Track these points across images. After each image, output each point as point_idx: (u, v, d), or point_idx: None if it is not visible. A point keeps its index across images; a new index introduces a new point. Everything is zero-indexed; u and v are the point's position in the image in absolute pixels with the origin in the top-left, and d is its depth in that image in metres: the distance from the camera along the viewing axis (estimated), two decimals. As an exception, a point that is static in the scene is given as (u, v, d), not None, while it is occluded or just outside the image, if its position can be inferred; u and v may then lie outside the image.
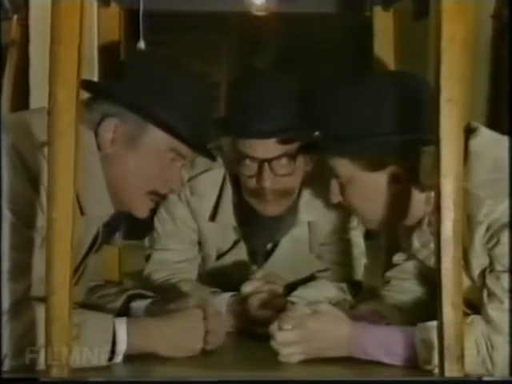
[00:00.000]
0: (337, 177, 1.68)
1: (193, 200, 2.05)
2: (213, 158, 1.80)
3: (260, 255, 2.08)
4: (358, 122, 1.62)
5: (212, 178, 2.05)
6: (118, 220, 1.73)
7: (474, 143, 1.58)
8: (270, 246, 2.09)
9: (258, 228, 2.04)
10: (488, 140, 1.61)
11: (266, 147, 1.87)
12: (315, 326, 1.57)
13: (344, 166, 1.65)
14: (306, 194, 2.03)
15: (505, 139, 1.65)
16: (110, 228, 1.70)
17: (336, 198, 1.71)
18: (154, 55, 1.73)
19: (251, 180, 1.92)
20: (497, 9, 2.86)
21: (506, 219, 1.50)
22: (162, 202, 2.02)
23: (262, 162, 1.89)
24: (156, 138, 1.60)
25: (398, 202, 1.64)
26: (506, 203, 1.50)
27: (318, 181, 1.97)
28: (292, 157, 1.89)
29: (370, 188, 1.64)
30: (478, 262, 1.56)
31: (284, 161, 1.89)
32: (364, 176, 1.63)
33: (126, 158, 1.60)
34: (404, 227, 1.73)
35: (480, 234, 1.53)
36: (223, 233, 2.08)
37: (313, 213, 2.05)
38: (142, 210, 1.67)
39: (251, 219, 2.01)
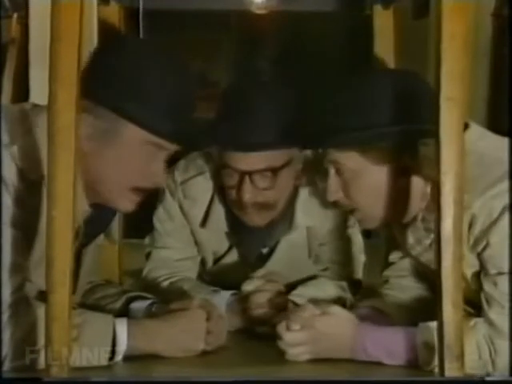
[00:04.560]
0: (339, 172, 1.67)
1: (185, 203, 2.04)
2: (199, 149, 1.76)
3: (252, 261, 2.07)
4: (359, 114, 1.61)
5: (204, 182, 2.04)
6: (104, 216, 1.70)
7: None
8: (266, 250, 2.08)
9: (248, 235, 2.03)
10: (477, 137, 1.60)
11: (248, 160, 1.86)
12: (324, 327, 1.57)
13: (350, 160, 1.63)
14: (303, 199, 2.02)
15: (492, 135, 1.65)
16: (94, 224, 1.66)
17: (334, 195, 1.69)
18: (128, 43, 1.64)
19: (232, 191, 1.92)
20: (497, 7, 2.86)
21: (488, 218, 1.50)
22: (159, 201, 2.03)
23: (242, 174, 1.88)
24: (131, 132, 1.53)
25: (398, 198, 1.64)
26: (484, 198, 1.49)
27: (314, 185, 1.96)
28: (275, 171, 1.88)
29: (374, 182, 1.63)
30: (465, 261, 1.55)
31: (266, 174, 1.87)
32: (369, 170, 1.62)
33: (104, 155, 1.54)
34: (399, 224, 1.73)
35: None
36: (217, 237, 2.07)
37: (310, 217, 2.04)
38: (126, 205, 1.61)
39: (241, 226, 2.00)
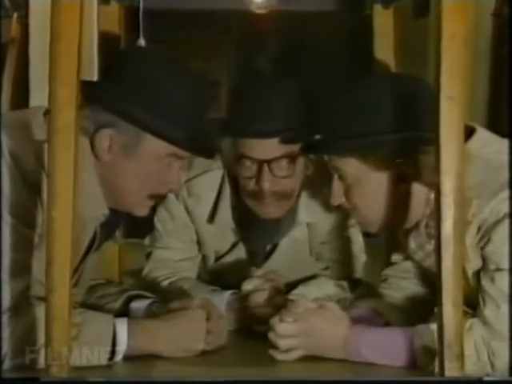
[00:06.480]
0: (342, 178, 1.67)
1: (190, 202, 2.05)
2: (210, 156, 1.80)
3: (260, 257, 2.08)
4: (360, 120, 1.61)
5: (210, 179, 2.05)
6: (117, 219, 1.72)
7: (469, 145, 1.57)
8: (269, 247, 2.09)
9: (257, 230, 2.04)
10: (482, 143, 1.60)
11: (266, 148, 1.87)
12: (316, 321, 1.57)
13: (351, 166, 1.64)
14: (305, 195, 2.03)
15: (498, 140, 1.65)
16: (108, 227, 1.70)
17: (338, 199, 1.70)
18: (145, 54, 1.70)
19: (250, 181, 1.92)
20: (497, 7, 2.86)
21: (494, 218, 1.50)
22: (162, 200, 2.03)
23: (261, 163, 1.89)
24: (154, 145, 1.58)
25: (401, 204, 1.64)
26: (493, 203, 1.51)
27: (317, 182, 1.97)
28: (292, 158, 1.89)
29: (376, 188, 1.64)
30: (471, 264, 1.55)
31: (284, 162, 1.89)
32: (371, 176, 1.63)
33: (124, 165, 1.58)
34: (402, 229, 1.73)
35: (469, 234, 1.52)
36: (221, 235, 2.08)
37: (312, 214, 2.05)
38: (142, 211, 1.67)
39: (251, 221, 2.01)
